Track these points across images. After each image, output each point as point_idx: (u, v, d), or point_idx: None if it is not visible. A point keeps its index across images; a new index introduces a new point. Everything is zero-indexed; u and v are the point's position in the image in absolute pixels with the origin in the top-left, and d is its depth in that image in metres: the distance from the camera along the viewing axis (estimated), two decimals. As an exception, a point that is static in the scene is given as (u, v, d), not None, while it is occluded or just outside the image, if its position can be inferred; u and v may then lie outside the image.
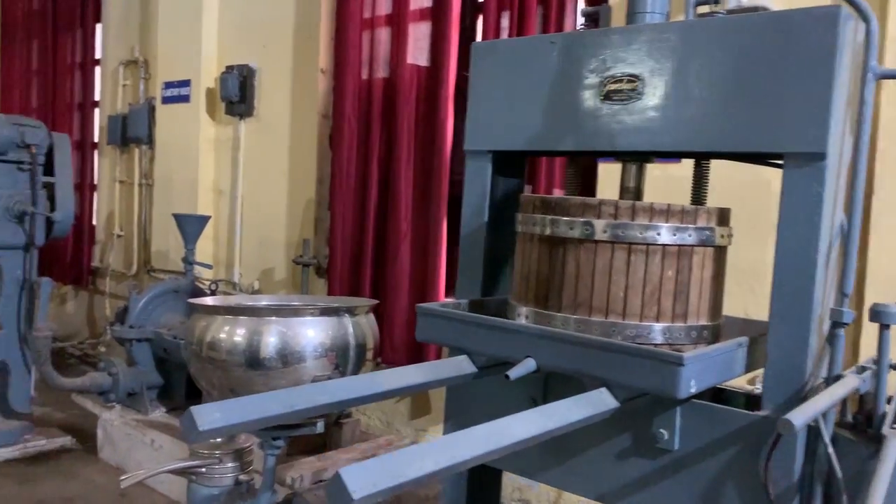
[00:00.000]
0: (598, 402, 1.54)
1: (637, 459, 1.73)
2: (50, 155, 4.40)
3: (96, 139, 6.63)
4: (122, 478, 2.52)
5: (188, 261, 4.37)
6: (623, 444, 1.75)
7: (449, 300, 2.15)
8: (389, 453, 1.17)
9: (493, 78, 2.02)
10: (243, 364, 2.23)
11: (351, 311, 2.32)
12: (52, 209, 4.33)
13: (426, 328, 1.99)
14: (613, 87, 1.76)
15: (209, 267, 4.68)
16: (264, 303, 2.66)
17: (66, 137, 4.53)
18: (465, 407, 2.14)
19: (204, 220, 4.38)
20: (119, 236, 6.34)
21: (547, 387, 1.87)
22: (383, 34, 4.30)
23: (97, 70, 6.62)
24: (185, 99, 5.49)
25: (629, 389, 1.57)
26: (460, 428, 1.36)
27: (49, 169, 4.40)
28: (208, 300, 2.53)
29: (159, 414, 4.04)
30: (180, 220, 4.39)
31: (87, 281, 6.61)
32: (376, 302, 2.49)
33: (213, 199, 5.49)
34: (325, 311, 2.28)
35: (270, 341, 2.23)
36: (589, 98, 1.81)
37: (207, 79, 5.42)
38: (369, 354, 2.36)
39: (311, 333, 2.26)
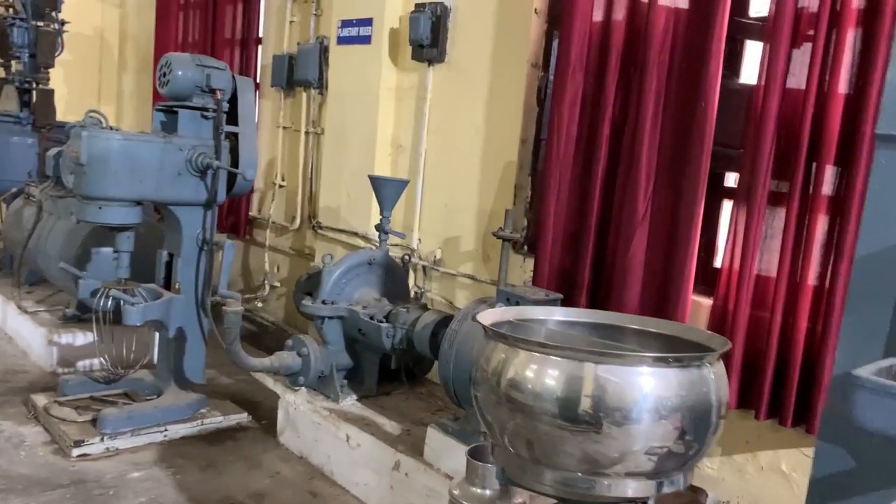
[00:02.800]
0: None
1: None
2: (232, 101, 3.93)
3: (258, 79, 6.20)
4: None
5: (383, 229, 3.84)
6: None
7: (884, 362, 1.47)
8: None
9: None
10: (555, 415, 1.65)
11: (708, 360, 1.68)
12: (234, 163, 3.89)
13: (877, 412, 1.34)
14: None
15: (402, 236, 4.15)
16: (556, 317, 2.07)
17: (251, 82, 4.05)
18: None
19: (402, 184, 3.83)
20: (281, 186, 5.94)
21: None
22: (626, -33, 3.54)
23: (262, 3, 6.15)
24: (365, 40, 4.92)
25: None
26: None
27: (231, 117, 3.94)
28: (495, 314, 1.94)
29: (350, 402, 3.59)
30: (376, 182, 3.85)
31: (245, 231, 6.28)
32: (729, 345, 1.84)
33: (392, 154, 4.95)
34: (674, 360, 1.65)
35: (596, 392, 1.63)
36: None
37: (392, 18, 4.81)
38: (722, 413, 1.72)
39: (650, 385, 1.64)
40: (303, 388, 3.63)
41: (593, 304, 3.60)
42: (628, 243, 3.42)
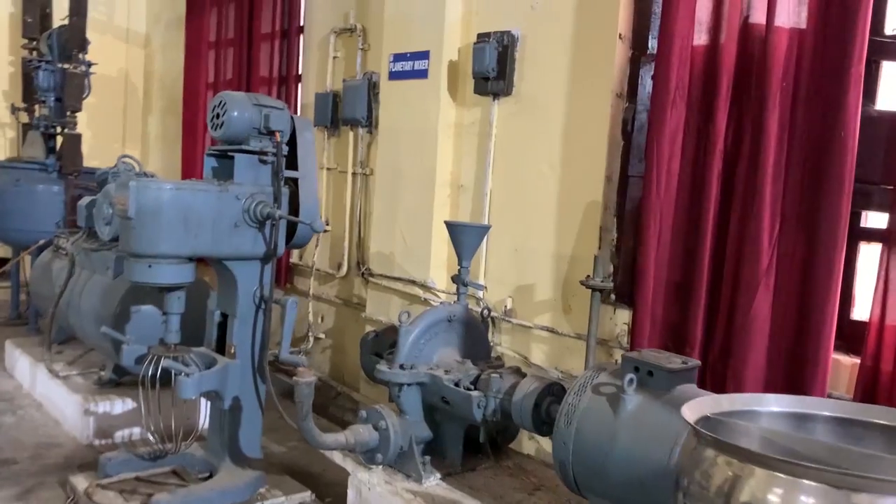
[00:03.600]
0: None
1: None
2: (290, 143, 3.55)
3: (297, 119, 5.84)
4: None
5: (463, 281, 3.43)
6: None
7: None
8: None
9: None
10: (813, 559, 1.20)
11: None
12: (293, 210, 3.51)
13: None
14: None
15: (482, 288, 3.72)
16: (772, 408, 1.64)
17: (310, 122, 3.68)
18: None
19: (484, 230, 3.42)
20: (325, 231, 5.55)
21: None
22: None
23: (302, 39, 5.83)
24: (421, 74, 4.56)
25: None
26: None
27: (288, 161, 3.56)
28: (697, 408, 1.52)
29: (434, 482, 3.14)
30: (454, 229, 3.44)
31: (286, 279, 5.89)
32: None
33: (451, 195, 4.56)
34: None
35: (875, 530, 1.18)
36: None
37: (450, 50, 4.46)
38: None
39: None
40: (378, 465, 3.20)
41: (707, 364, 3.17)
42: (752, 295, 2.99)
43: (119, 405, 4.16)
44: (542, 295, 4.05)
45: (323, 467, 4.03)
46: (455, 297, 3.52)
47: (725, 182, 3.16)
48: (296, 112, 5.78)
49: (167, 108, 7.91)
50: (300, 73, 5.85)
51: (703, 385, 3.14)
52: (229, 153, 3.38)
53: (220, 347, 3.53)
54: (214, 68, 6.72)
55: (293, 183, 3.53)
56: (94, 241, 4.63)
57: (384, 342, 3.56)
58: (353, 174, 5.27)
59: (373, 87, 5.06)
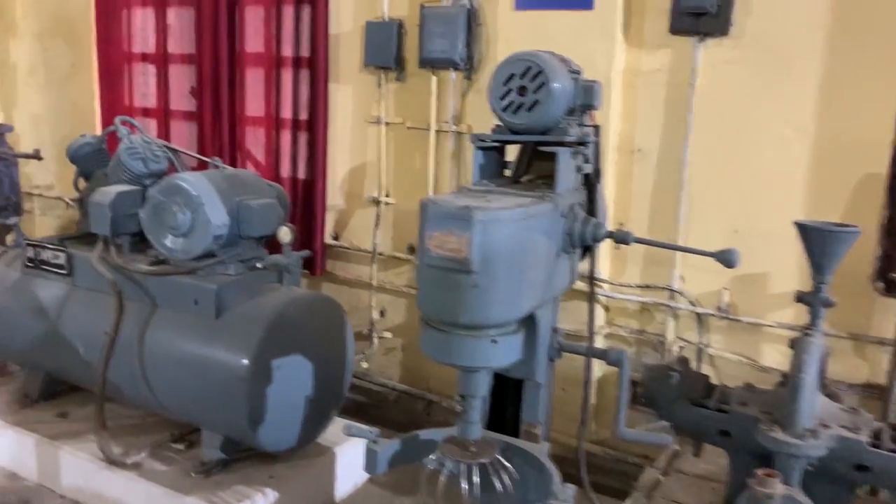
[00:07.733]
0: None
1: None
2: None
3: (327, 54, 4.32)
4: None
5: (824, 301, 2.59)
6: None
7: None
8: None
9: None
10: None
11: None
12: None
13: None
14: None
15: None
16: None
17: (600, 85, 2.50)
18: None
19: (854, 236, 2.57)
20: (385, 203, 4.29)
21: None
22: None
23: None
24: (579, 4, 3.48)
25: None
26: None
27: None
28: None
29: None
30: (814, 233, 2.54)
31: (321, 266, 4.56)
32: None
33: (619, 162, 3.64)
34: None
35: None
36: None
37: (624, -24, 3.43)
38: None
39: None
40: None
41: None
42: None
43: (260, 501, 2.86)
44: (782, 286, 3.36)
45: None
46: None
47: None
48: (325, 48, 4.33)
49: (46, 30, 5.75)
50: (323, -7, 4.36)
51: None
52: (538, 146, 2.21)
53: (495, 425, 2.45)
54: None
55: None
56: (137, 257, 3.10)
57: (695, 386, 2.68)
58: (438, 132, 4.06)
59: (473, 17, 3.85)
